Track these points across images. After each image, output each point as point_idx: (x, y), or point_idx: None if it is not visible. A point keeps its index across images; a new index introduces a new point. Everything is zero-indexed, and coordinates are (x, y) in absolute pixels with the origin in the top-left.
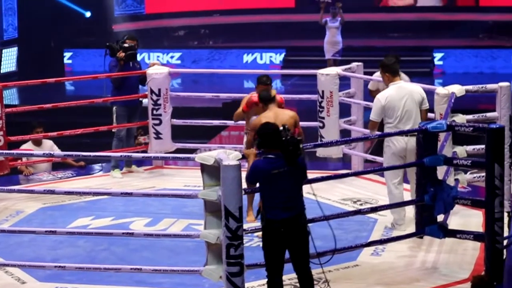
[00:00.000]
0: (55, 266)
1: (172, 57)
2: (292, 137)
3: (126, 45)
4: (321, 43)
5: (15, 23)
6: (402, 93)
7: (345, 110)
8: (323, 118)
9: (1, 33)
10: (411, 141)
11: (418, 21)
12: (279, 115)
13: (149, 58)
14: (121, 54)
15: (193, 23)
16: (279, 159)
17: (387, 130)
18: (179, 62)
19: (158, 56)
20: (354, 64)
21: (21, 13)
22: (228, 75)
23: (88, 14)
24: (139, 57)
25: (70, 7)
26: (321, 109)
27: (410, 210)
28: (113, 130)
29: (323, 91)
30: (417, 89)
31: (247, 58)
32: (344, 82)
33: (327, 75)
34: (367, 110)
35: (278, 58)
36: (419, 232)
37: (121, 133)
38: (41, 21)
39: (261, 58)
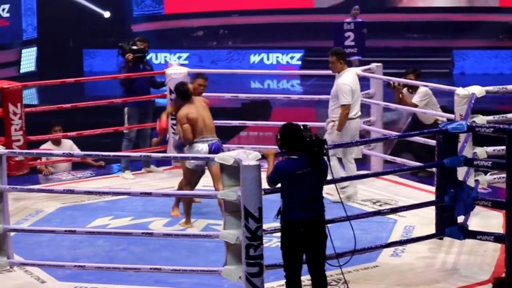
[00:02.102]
0: (75, 266)
1: (179, 57)
2: (317, 138)
3: (135, 47)
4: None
5: (34, 23)
6: (356, 78)
7: (364, 111)
8: None
9: (20, 33)
10: (358, 123)
11: (437, 21)
12: (198, 106)
13: (156, 58)
14: (130, 56)
15: (211, 24)
16: (303, 159)
17: (338, 110)
18: (186, 62)
19: (165, 57)
20: (373, 65)
21: (41, 13)
22: (248, 75)
23: (107, 14)
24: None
25: (89, 7)
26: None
27: (431, 211)
28: (124, 131)
29: None
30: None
31: (254, 58)
32: (363, 83)
33: None
34: (387, 110)
35: (285, 58)
36: (439, 233)
37: (131, 134)
38: (60, 21)
39: (268, 59)
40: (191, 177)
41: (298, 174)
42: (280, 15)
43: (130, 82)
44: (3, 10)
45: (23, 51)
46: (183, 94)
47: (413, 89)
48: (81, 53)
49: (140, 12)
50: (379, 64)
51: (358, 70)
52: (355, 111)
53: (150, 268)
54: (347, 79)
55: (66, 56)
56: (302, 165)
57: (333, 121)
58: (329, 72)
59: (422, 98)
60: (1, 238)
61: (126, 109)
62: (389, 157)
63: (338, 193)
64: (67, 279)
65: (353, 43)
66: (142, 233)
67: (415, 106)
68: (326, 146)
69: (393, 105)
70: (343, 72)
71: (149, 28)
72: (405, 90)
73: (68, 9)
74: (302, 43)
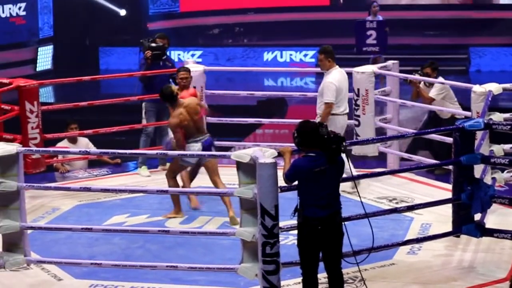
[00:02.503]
0: (91, 263)
1: (193, 55)
2: (335, 135)
3: (153, 44)
4: (354, 42)
5: (50, 21)
6: (343, 77)
7: (380, 108)
8: (359, 116)
9: (37, 31)
10: (346, 119)
11: (454, 18)
12: (188, 106)
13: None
14: (148, 54)
15: (227, 21)
16: (320, 157)
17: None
18: (200, 60)
19: (178, 54)
20: (389, 62)
21: (57, 11)
22: (263, 73)
23: (123, 12)
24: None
25: (105, 5)
26: (356, 107)
27: (447, 209)
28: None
29: (358, 89)
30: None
31: (267, 56)
32: (379, 80)
33: (363, 73)
34: (403, 108)
35: (298, 56)
36: (456, 231)
37: (148, 129)
38: (76, 19)
39: (281, 56)
40: (179, 171)
41: (315, 172)
42: (296, 13)
43: (149, 78)
44: (20, 8)
45: (39, 49)
46: (167, 97)
47: (430, 82)
48: (97, 51)
49: (156, 10)
50: (395, 61)
51: (374, 67)
52: (343, 107)
53: (167, 266)
54: (334, 77)
55: (82, 54)
56: (319, 162)
57: (321, 116)
58: (345, 69)
59: (439, 92)
60: (18, 235)
61: (144, 104)
62: (405, 155)
63: (357, 191)
64: (84, 276)
65: (375, 42)
66: (159, 230)
67: (433, 100)
68: (344, 143)
69: (409, 103)
70: (331, 70)
71: (165, 26)
72: (422, 84)
73: (84, 7)
74: (318, 41)
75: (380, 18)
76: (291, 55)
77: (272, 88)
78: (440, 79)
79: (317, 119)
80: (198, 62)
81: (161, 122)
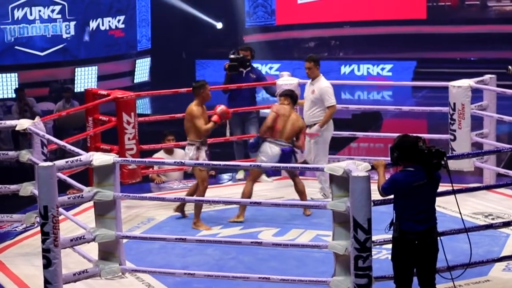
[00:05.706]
0: (185, 273)
1: (270, 68)
2: (437, 149)
3: (232, 56)
4: (452, 55)
5: (148, 34)
6: None
7: (477, 123)
8: (455, 130)
9: (135, 44)
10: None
11: None
12: (291, 119)
13: None
14: (226, 65)
15: (323, 35)
16: (419, 171)
17: (321, 112)
18: (277, 73)
19: (256, 67)
20: (487, 77)
21: (155, 24)
22: (358, 86)
23: (219, 25)
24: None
25: (202, 18)
26: (452, 122)
27: None
28: (227, 135)
29: (454, 104)
30: None
31: (344, 69)
32: (476, 95)
33: (459, 87)
34: (500, 123)
35: (375, 69)
36: None
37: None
38: (173, 32)
39: (358, 70)
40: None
41: (414, 186)
42: (392, 26)
43: (230, 89)
44: (119, 21)
45: (137, 61)
46: (293, 97)
47: None
48: (194, 64)
49: (252, 23)
50: (492, 75)
51: (471, 81)
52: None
53: (259, 278)
54: (326, 82)
55: (178, 66)
56: (418, 177)
57: (315, 124)
58: (441, 83)
59: None
60: (113, 244)
61: None
62: (502, 170)
63: (458, 206)
64: (177, 286)
65: None
66: (251, 242)
67: None
68: (445, 158)
69: (507, 118)
70: (319, 77)
71: (261, 39)
72: None
73: (182, 20)
74: (414, 54)
75: None
76: (368, 68)
77: (367, 101)
78: None
79: (311, 129)
80: (276, 76)
81: (247, 134)
